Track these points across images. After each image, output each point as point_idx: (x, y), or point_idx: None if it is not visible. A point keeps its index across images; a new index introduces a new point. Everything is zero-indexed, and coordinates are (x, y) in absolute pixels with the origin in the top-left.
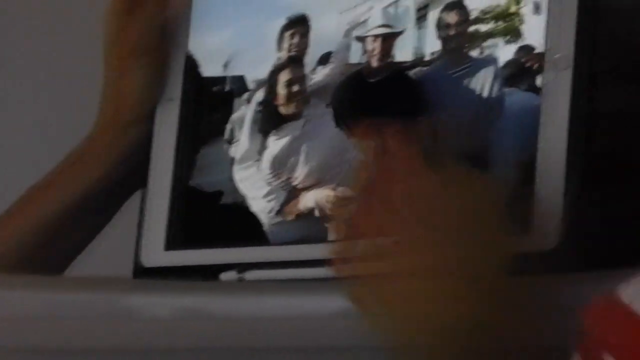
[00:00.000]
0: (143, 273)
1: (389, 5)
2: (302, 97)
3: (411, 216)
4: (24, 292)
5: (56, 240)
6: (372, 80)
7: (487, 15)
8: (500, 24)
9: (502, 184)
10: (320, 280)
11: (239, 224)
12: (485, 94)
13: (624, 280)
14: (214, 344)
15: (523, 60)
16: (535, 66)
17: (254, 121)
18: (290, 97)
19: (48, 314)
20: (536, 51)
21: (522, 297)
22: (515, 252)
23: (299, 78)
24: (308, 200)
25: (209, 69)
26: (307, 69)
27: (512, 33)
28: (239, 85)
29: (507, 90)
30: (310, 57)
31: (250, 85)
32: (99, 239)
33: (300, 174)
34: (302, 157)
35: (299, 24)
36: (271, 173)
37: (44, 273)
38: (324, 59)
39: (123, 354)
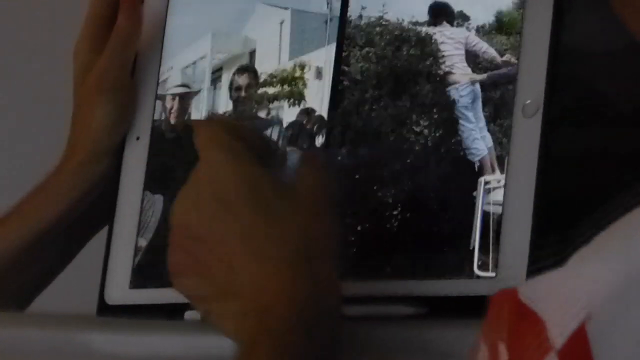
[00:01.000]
0: (107, 310)
1: (187, 66)
2: None
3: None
4: None
5: (14, 275)
6: (168, 137)
7: (274, 79)
8: (286, 88)
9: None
10: None
11: None
12: None
13: None
14: None
15: (304, 122)
16: (315, 128)
17: None
18: None
19: (8, 350)
20: (316, 113)
21: None
22: (483, 294)
23: None
24: None
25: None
26: None
27: (296, 96)
28: None
29: (288, 149)
30: None
31: None
32: (63, 274)
33: None
34: None
35: None
36: None
37: (3, 309)
38: None
39: None
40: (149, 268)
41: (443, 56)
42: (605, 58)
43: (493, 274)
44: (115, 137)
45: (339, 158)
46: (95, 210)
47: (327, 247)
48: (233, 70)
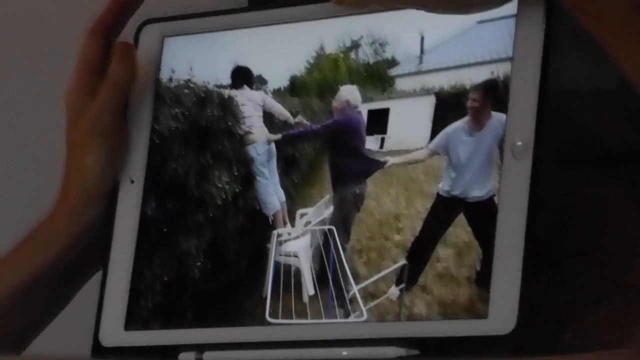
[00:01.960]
0: (102, 352)
1: None
2: None
3: None
4: None
5: (10, 319)
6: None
7: None
8: None
9: None
10: None
11: (198, 305)
12: None
13: None
14: None
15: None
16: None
17: None
18: None
19: None
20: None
21: None
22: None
23: None
24: None
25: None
26: None
27: None
28: None
29: None
30: None
31: None
32: (58, 316)
33: None
34: None
35: None
36: None
37: None
38: None
39: None
40: (144, 310)
41: (243, 117)
42: (594, 97)
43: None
44: (109, 181)
45: (149, 212)
46: (90, 254)
47: None
48: None
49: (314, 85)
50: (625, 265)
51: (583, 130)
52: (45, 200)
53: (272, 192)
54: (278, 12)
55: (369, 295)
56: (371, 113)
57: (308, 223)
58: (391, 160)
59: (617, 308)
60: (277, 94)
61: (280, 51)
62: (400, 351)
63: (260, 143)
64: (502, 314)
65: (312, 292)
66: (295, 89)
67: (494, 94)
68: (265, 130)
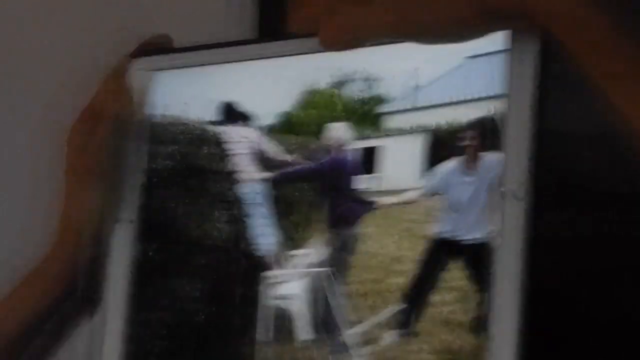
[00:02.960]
0: None
1: None
2: None
3: None
4: None
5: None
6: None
7: None
8: None
9: None
10: None
11: (191, 349)
12: None
13: None
14: None
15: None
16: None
17: None
18: None
19: None
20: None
21: None
22: None
23: None
24: None
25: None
26: None
27: None
28: None
29: None
30: None
31: None
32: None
33: None
34: None
35: None
36: None
37: None
38: None
39: None
40: (139, 353)
41: (236, 155)
42: (586, 141)
43: None
44: (108, 220)
45: (143, 253)
46: (86, 296)
47: None
48: None
49: (306, 122)
50: None
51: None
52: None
53: (265, 232)
54: (269, 47)
55: (366, 339)
56: (365, 151)
57: (302, 265)
58: (385, 200)
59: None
60: (269, 130)
61: (272, 87)
62: None
63: (254, 182)
64: (501, 358)
65: (306, 336)
66: (287, 125)
67: (489, 132)
68: (258, 168)
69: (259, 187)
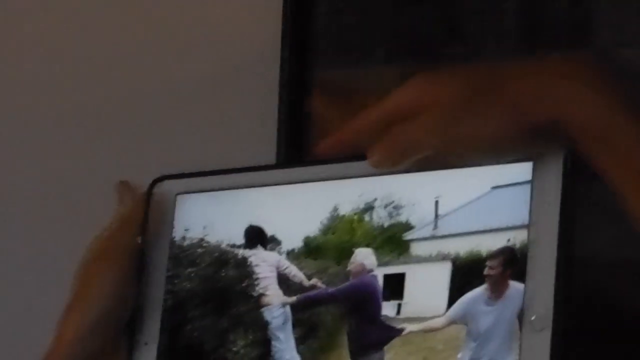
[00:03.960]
0: None
1: None
2: None
3: None
4: None
5: None
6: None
7: None
8: None
9: None
10: None
11: None
12: None
13: None
14: None
15: None
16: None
17: None
18: None
19: None
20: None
21: None
22: None
23: None
24: None
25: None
26: None
27: None
28: None
29: None
30: None
31: None
32: None
33: None
34: None
35: None
36: None
37: None
38: None
39: None
40: None
41: (258, 278)
42: (617, 268)
43: None
44: (122, 313)
45: None
46: None
47: None
48: None
49: (329, 247)
50: None
51: (608, 301)
52: None
53: (287, 357)
54: (292, 172)
55: None
56: (387, 278)
57: None
58: (409, 327)
59: None
60: (292, 255)
61: (295, 211)
62: None
63: (275, 306)
64: None
65: None
66: (310, 250)
67: (511, 262)
68: (280, 292)
69: (280, 312)
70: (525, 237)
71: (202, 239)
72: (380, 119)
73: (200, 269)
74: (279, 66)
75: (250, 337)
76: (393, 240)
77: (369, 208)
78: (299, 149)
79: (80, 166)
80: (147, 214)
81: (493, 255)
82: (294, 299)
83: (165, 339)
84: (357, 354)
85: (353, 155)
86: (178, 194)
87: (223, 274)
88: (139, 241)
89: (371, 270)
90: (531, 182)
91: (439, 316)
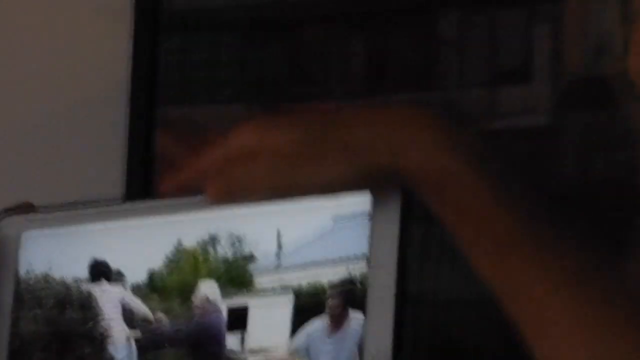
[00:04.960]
0: None
1: None
2: None
3: None
4: None
5: None
6: None
7: None
8: None
9: None
10: None
11: None
12: None
13: None
14: None
15: None
16: None
17: None
18: None
19: None
20: None
21: None
22: None
23: None
24: None
25: None
26: None
27: None
28: None
29: None
30: None
31: None
32: None
33: None
34: None
35: None
36: None
37: None
38: None
39: None
40: None
41: (102, 317)
42: (458, 307)
43: None
44: None
45: None
46: None
47: None
48: None
49: (172, 283)
50: None
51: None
52: None
53: None
54: (137, 207)
55: None
56: (231, 310)
57: None
58: (251, 359)
59: None
60: (137, 289)
61: (140, 246)
62: None
63: (121, 342)
64: None
65: None
66: (153, 285)
67: (351, 294)
68: (125, 327)
69: (125, 347)
70: (365, 268)
71: (47, 275)
72: (219, 158)
73: (44, 311)
74: (127, 102)
75: None
76: (237, 273)
77: (213, 241)
78: (147, 185)
79: None
80: None
81: (334, 286)
82: (138, 333)
83: None
84: None
85: (197, 191)
86: (24, 230)
87: (67, 316)
88: None
89: (215, 303)
90: (370, 213)
91: (281, 348)
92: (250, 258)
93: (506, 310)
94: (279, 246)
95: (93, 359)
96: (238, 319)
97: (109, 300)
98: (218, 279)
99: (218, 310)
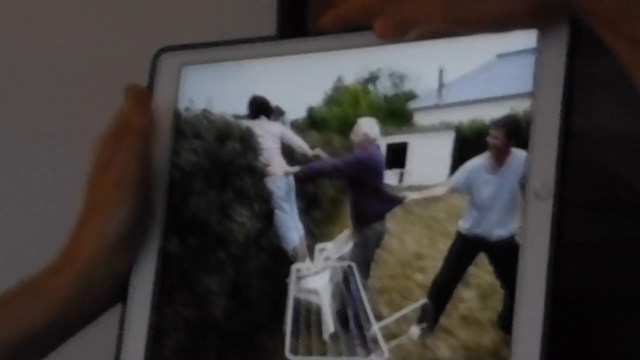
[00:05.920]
0: None
1: None
2: None
3: None
4: None
5: None
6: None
7: None
8: None
9: None
10: None
11: (218, 343)
12: None
13: None
14: None
15: None
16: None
17: None
18: None
19: None
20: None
21: None
22: None
23: None
24: None
25: None
26: None
27: None
28: None
29: None
30: None
31: None
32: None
33: None
34: None
35: None
36: None
37: None
38: None
39: None
40: (164, 349)
41: (261, 149)
42: (619, 142)
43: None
44: (133, 242)
45: (169, 249)
46: (95, 308)
47: None
48: None
49: (332, 118)
50: None
51: (612, 175)
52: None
53: (291, 226)
54: (295, 43)
55: (390, 334)
56: (390, 147)
57: (327, 258)
58: (410, 195)
59: None
60: (295, 125)
61: (299, 83)
62: None
63: (279, 176)
64: (524, 358)
65: (332, 329)
66: (313, 121)
67: (515, 130)
68: (284, 162)
69: (284, 182)
70: (529, 106)
71: (206, 110)
72: None
73: (205, 143)
74: None
75: (255, 208)
76: (397, 110)
77: (373, 78)
78: (300, 23)
79: (81, 45)
80: (151, 86)
81: (496, 124)
82: (296, 168)
83: (171, 212)
84: (359, 223)
85: (356, 27)
86: (183, 65)
87: (228, 147)
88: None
89: (374, 140)
90: (536, 50)
91: (441, 185)
92: (411, 95)
93: None
94: (441, 84)
95: (252, 191)
96: (397, 156)
97: (268, 136)
98: (377, 116)
99: (377, 147)
